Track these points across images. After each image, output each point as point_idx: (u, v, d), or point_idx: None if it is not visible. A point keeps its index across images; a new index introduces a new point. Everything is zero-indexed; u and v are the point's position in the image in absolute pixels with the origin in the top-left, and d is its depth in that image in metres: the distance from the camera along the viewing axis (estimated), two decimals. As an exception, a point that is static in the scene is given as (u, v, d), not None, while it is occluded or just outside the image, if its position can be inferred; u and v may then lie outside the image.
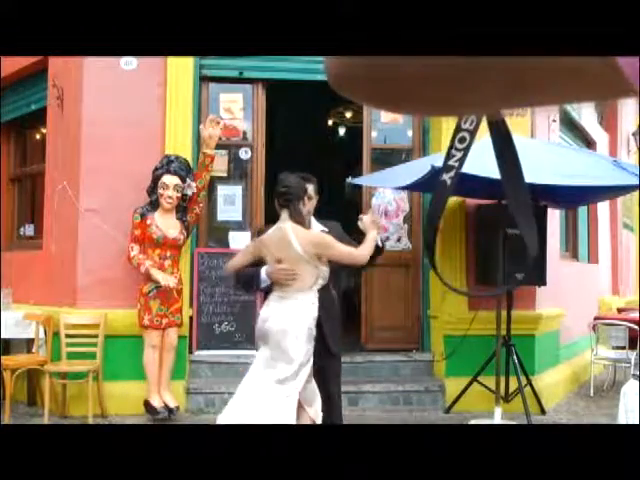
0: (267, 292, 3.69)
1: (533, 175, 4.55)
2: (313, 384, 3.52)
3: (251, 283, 3.66)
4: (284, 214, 3.54)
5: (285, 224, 3.52)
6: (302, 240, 3.46)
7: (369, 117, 6.61)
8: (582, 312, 7.66)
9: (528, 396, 5.57)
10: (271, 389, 3.36)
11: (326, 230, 3.76)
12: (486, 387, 5.62)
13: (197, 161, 5.85)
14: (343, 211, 10.45)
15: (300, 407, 3.48)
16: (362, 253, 3.54)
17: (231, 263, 3.78)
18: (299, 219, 3.52)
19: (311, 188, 3.81)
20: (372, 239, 3.61)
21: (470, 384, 5.73)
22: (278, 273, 3.48)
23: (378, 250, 3.84)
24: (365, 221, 3.69)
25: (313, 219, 3.82)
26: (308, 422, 3.47)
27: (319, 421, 3.50)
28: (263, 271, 3.56)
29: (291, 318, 3.44)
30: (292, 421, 3.32)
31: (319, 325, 3.55)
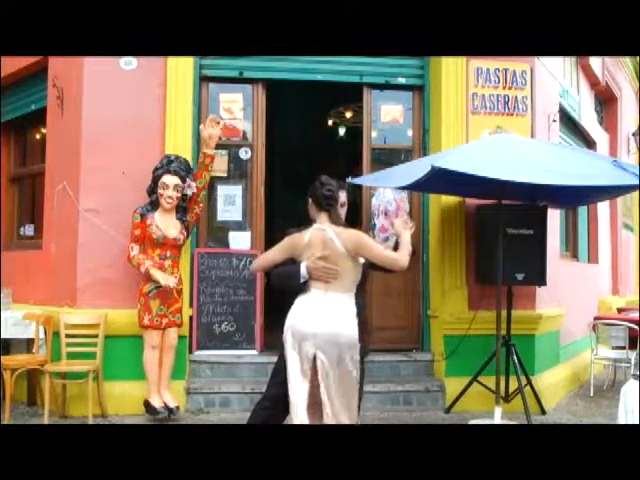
0: (293, 293, 3.61)
1: (533, 175, 4.56)
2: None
3: (291, 277, 3.57)
4: (323, 217, 3.56)
5: (324, 225, 3.54)
6: (343, 238, 3.48)
7: (369, 117, 6.61)
8: (582, 312, 7.66)
9: (528, 396, 5.57)
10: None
11: None
12: (486, 387, 5.62)
13: (197, 161, 5.85)
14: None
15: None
16: (403, 257, 3.53)
17: (261, 259, 3.80)
18: (339, 223, 3.56)
19: (344, 195, 3.86)
20: (407, 242, 3.61)
21: (470, 384, 5.73)
22: (322, 269, 3.47)
23: (410, 254, 3.80)
24: (397, 225, 3.72)
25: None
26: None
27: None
28: (303, 266, 3.53)
29: (344, 318, 3.45)
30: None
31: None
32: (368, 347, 3.79)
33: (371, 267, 3.68)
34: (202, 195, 5.74)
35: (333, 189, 3.57)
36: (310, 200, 3.67)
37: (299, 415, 3.34)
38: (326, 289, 3.48)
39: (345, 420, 3.40)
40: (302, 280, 3.55)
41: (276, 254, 3.65)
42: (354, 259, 3.47)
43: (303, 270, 3.52)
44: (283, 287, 3.69)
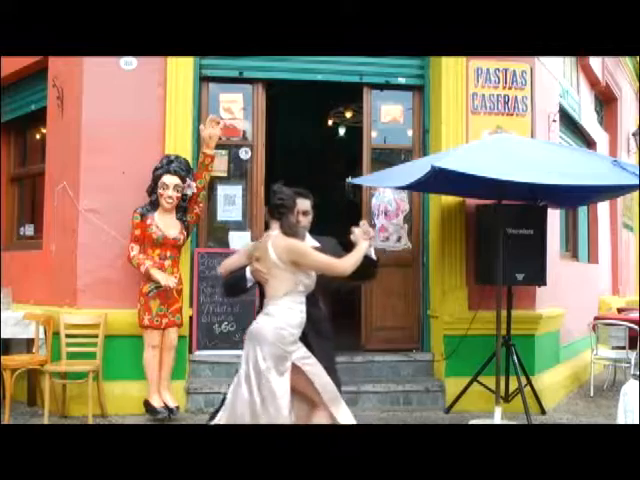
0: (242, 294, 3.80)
1: (533, 175, 4.56)
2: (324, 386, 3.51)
3: (239, 280, 3.67)
4: (275, 224, 3.57)
5: (273, 232, 3.56)
6: (276, 246, 3.48)
7: (369, 117, 6.61)
8: (582, 312, 7.66)
9: (528, 396, 5.58)
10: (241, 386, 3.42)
11: (318, 245, 3.71)
12: (486, 387, 5.62)
13: (197, 161, 5.85)
14: (343, 211, 10.50)
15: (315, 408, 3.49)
16: (343, 264, 3.46)
17: (226, 262, 3.82)
18: (290, 232, 3.52)
19: (307, 204, 3.80)
20: (360, 250, 3.55)
21: (470, 384, 5.73)
22: (255, 271, 3.53)
23: (373, 263, 3.78)
24: (357, 233, 3.64)
25: (307, 235, 3.79)
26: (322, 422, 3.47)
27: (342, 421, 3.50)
28: (248, 270, 3.60)
29: (263, 321, 3.48)
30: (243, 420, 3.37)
31: (307, 339, 3.52)
32: (333, 356, 3.75)
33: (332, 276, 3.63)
34: (202, 195, 5.74)
35: (284, 198, 3.56)
36: (266, 208, 3.73)
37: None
38: (266, 293, 3.55)
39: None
40: (249, 283, 3.63)
41: (239, 258, 3.72)
42: (288, 267, 3.44)
43: (248, 273, 3.60)
44: (233, 289, 3.79)
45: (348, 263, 3.47)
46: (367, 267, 3.69)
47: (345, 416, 3.53)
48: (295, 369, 3.44)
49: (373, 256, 3.80)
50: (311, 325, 3.55)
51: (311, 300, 3.58)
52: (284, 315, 3.45)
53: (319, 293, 3.67)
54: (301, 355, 3.48)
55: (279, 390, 3.37)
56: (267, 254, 3.49)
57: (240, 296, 4.05)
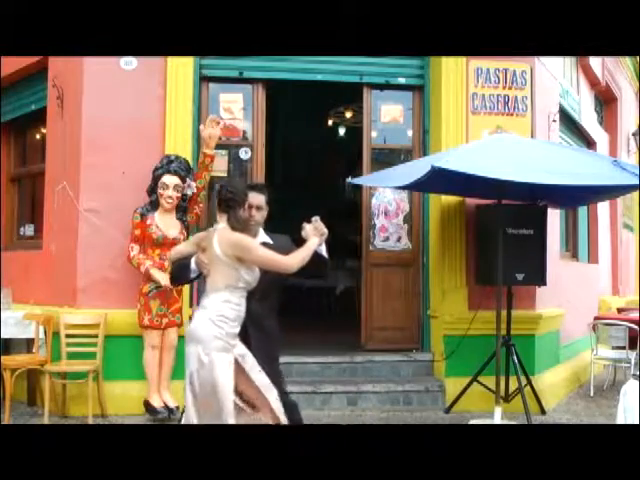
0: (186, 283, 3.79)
1: (533, 175, 4.56)
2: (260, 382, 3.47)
3: (182, 271, 3.64)
4: (223, 218, 3.50)
5: (220, 225, 3.49)
6: (221, 240, 3.43)
7: (369, 117, 6.61)
8: (582, 312, 7.66)
9: (528, 396, 5.57)
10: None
11: (270, 242, 3.66)
12: (486, 387, 5.62)
13: (197, 161, 5.85)
14: (343, 211, 10.50)
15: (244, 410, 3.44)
16: (288, 262, 3.39)
17: (174, 250, 3.81)
18: (237, 226, 3.45)
19: (261, 199, 3.68)
20: (308, 247, 3.47)
21: (470, 384, 5.73)
22: (199, 262, 3.50)
23: (323, 260, 3.65)
24: (307, 229, 3.56)
25: (261, 231, 3.72)
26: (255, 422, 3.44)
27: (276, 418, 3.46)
28: (193, 260, 3.57)
29: (199, 316, 3.43)
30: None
31: (247, 335, 3.48)
32: (275, 354, 3.69)
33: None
34: (202, 195, 5.74)
35: (233, 191, 3.48)
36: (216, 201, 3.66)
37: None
38: (207, 285, 3.51)
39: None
40: (192, 274, 3.60)
41: (186, 246, 3.73)
42: (231, 262, 3.39)
43: (192, 264, 3.57)
44: (177, 277, 3.77)
45: (294, 260, 3.39)
46: (317, 265, 3.60)
47: (277, 412, 3.45)
48: (236, 366, 3.39)
49: (324, 253, 3.66)
50: (251, 321, 3.49)
51: (255, 296, 3.51)
52: (219, 308, 3.38)
53: (273, 289, 3.61)
54: (240, 352, 3.42)
55: (222, 380, 3.30)
56: (212, 247, 3.44)
57: (184, 285, 3.93)
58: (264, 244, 3.60)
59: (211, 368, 3.31)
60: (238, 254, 3.38)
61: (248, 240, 3.44)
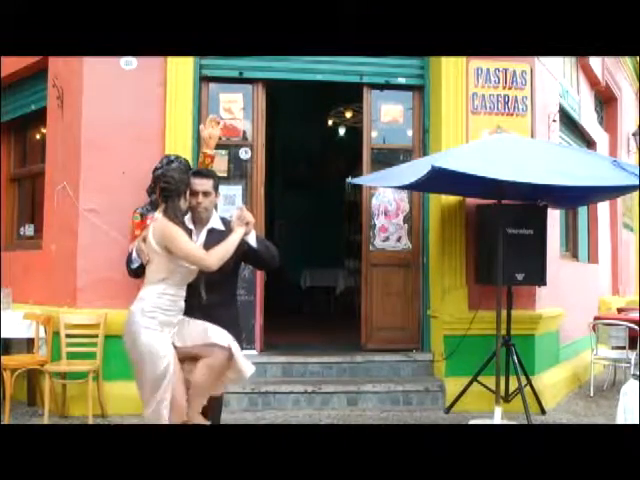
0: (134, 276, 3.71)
1: (533, 175, 4.56)
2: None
3: (128, 261, 3.64)
4: (162, 207, 3.45)
5: (159, 215, 3.46)
6: (155, 230, 3.40)
7: (369, 117, 6.61)
8: (582, 312, 7.66)
9: (528, 396, 5.57)
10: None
11: (222, 229, 3.56)
12: (486, 387, 5.62)
13: (197, 161, 5.85)
14: (343, 211, 10.50)
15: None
16: (208, 259, 3.32)
17: (132, 244, 3.77)
18: (172, 216, 3.37)
19: (208, 183, 3.57)
20: (230, 242, 3.38)
21: (470, 384, 5.73)
22: (140, 251, 3.47)
23: (252, 250, 3.52)
24: (233, 220, 3.47)
25: (215, 216, 3.64)
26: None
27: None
28: (134, 250, 3.55)
29: (133, 309, 3.43)
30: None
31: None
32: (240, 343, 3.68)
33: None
34: (202, 195, 5.74)
35: (170, 181, 3.41)
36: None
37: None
38: (145, 277, 3.49)
39: (147, 412, 3.48)
40: (134, 264, 3.57)
41: (139, 239, 3.67)
42: (163, 253, 3.35)
43: (134, 253, 3.55)
44: (128, 268, 3.71)
45: (214, 257, 3.32)
46: (263, 254, 3.53)
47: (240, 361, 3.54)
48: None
49: (253, 243, 3.53)
50: (201, 312, 3.48)
51: (203, 286, 3.49)
52: (154, 301, 3.37)
53: (224, 280, 3.56)
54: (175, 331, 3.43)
55: (144, 339, 3.34)
56: (148, 236, 3.42)
57: (137, 277, 3.77)
58: (212, 230, 3.53)
59: (136, 337, 3.36)
60: (167, 244, 3.33)
61: (173, 231, 3.34)
